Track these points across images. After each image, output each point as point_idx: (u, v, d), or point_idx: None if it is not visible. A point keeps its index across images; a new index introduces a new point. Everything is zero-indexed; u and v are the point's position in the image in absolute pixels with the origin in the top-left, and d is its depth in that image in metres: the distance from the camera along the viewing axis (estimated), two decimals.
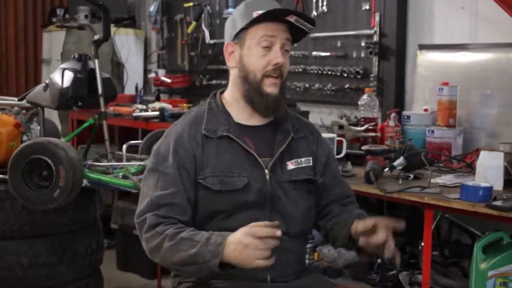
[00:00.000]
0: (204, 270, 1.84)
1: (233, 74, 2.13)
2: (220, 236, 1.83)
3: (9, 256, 3.40)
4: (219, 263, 1.79)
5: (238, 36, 2.08)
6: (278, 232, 1.74)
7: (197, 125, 2.08)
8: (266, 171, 2.05)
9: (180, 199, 1.98)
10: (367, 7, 3.77)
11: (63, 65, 3.58)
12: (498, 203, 2.29)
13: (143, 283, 4.52)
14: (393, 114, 3.38)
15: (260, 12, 2.02)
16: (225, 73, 4.71)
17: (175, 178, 2.00)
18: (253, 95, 2.07)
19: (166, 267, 2.01)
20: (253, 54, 2.05)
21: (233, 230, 1.91)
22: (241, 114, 2.12)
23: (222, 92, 2.20)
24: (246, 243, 1.76)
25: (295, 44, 3.77)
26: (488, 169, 2.56)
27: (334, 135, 2.96)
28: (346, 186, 2.29)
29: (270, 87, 2.05)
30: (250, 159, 2.05)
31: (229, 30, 2.12)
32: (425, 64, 3.57)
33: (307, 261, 3.10)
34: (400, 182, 2.71)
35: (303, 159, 2.14)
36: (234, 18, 2.11)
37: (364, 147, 3.01)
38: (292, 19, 2.04)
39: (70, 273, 3.53)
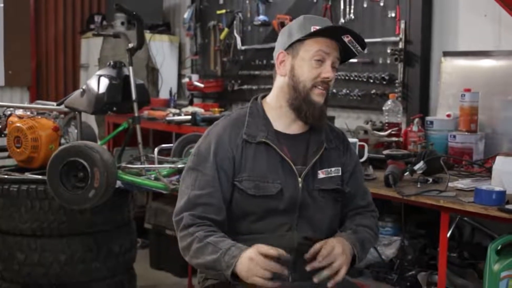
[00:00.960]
0: (222, 276, 1.96)
1: (281, 81, 2.20)
2: (238, 249, 1.94)
3: (47, 253, 3.57)
4: (231, 274, 1.91)
5: (292, 46, 2.16)
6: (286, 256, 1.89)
7: (237, 128, 2.17)
8: (300, 179, 2.14)
9: (216, 200, 2.09)
10: (393, 15, 3.85)
11: (99, 72, 3.73)
12: (511, 206, 2.37)
13: (175, 281, 4.66)
14: (416, 120, 3.46)
15: (318, 27, 2.11)
16: (256, 79, 4.87)
17: (213, 178, 2.10)
18: (301, 103, 2.15)
19: (193, 266, 2.11)
20: (306, 65, 2.12)
21: (261, 232, 2.08)
22: (281, 121, 2.21)
23: (263, 97, 2.27)
24: (252, 257, 1.89)
25: None
26: (504, 174, 2.62)
27: (356, 139, 3.05)
28: (367, 196, 2.38)
29: (318, 97, 2.14)
30: (285, 167, 2.13)
31: (284, 40, 2.20)
32: (449, 70, 3.63)
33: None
34: (419, 185, 2.79)
35: (333, 169, 2.22)
36: (291, 29, 2.18)
37: (385, 152, 3.10)
38: (346, 39, 2.11)
39: (105, 270, 3.70)
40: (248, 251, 1.91)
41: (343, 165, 2.28)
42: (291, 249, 2.09)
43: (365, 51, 2.21)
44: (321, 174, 2.19)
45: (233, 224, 2.13)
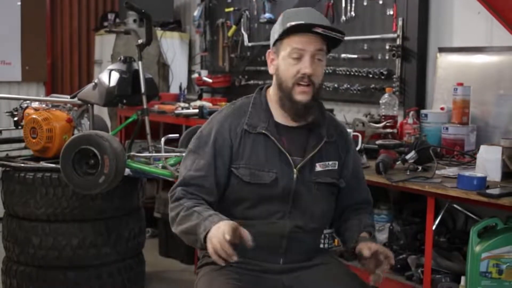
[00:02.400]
0: (197, 242, 2.02)
1: (273, 78, 2.27)
2: (218, 217, 2.02)
3: (60, 237, 3.76)
4: (204, 237, 1.97)
5: (276, 45, 2.23)
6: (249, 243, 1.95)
7: (239, 117, 2.24)
8: (295, 170, 2.21)
9: (209, 183, 2.18)
10: (391, 13, 3.99)
11: (110, 67, 3.91)
12: (490, 191, 2.53)
13: (182, 268, 4.83)
14: (411, 112, 3.60)
15: (293, 23, 2.14)
16: (262, 74, 5.01)
17: (209, 164, 2.19)
18: (284, 101, 2.21)
19: (177, 235, 2.17)
20: (286, 64, 2.18)
21: (254, 219, 2.19)
22: (281, 113, 2.26)
23: (268, 87, 2.33)
24: (220, 226, 1.95)
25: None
26: (487, 162, 2.79)
27: (350, 130, 3.21)
28: (367, 193, 2.46)
29: (300, 95, 2.17)
30: (282, 157, 2.21)
31: (271, 39, 2.27)
32: (444, 65, 3.77)
33: (326, 245, 3.38)
34: (408, 173, 2.95)
35: (330, 162, 2.28)
36: (275, 28, 2.25)
37: (378, 142, 3.27)
38: (320, 30, 2.13)
39: (115, 254, 3.87)
40: (223, 222, 1.97)
41: (342, 160, 2.33)
42: (283, 235, 2.21)
43: (344, 38, 2.20)
44: (318, 167, 2.25)
45: (228, 209, 2.20)
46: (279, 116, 2.27)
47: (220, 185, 2.22)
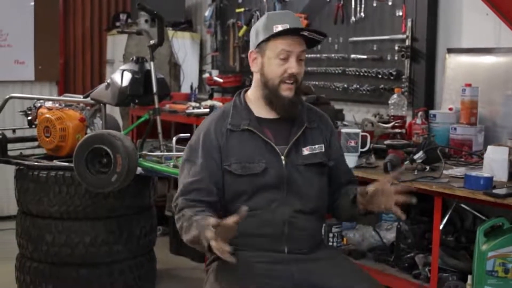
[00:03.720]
0: (204, 249, 2.07)
1: (256, 77, 2.44)
2: (203, 220, 2.10)
3: (73, 235, 3.81)
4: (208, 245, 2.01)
5: (260, 46, 2.36)
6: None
7: (223, 120, 2.40)
8: (282, 157, 2.35)
9: (206, 184, 2.31)
10: (400, 14, 4.02)
11: (122, 67, 3.96)
12: (496, 191, 2.56)
13: (193, 266, 4.87)
14: (420, 113, 3.64)
15: (280, 27, 2.30)
16: None
17: (203, 166, 2.33)
18: (271, 98, 2.38)
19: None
20: (272, 64, 2.34)
21: (254, 209, 2.27)
22: (261, 109, 2.43)
23: (246, 91, 2.50)
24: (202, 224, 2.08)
25: (336, 47, 4.07)
26: (494, 162, 2.81)
27: (359, 130, 3.25)
28: (353, 174, 2.66)
29: (286, 91, 2.36)
30: (268, 148, 2.36)
31: (253, 40, 2.41)
32: (453, 66, 3.79)
33: (335, 243, 3.42)
34: (416, 173, 2.98)
35: (316, 146, 2.44)
36: (257, 29, 2.38)
37: (386, 142, 3.30)
38: (306, 33, 2.33)
39: (126, 252, 3.93)
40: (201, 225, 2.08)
41: (328, 143, 2.50)
42: (284, 222, 2.32)
43: (327, 39, 2.47)
44: (305, 151, 2.41)
45: (228, 206, 2.35)
46: (260, 111, 2.43)
47: (218, 183, 2.34)
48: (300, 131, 2.41)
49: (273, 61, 2.33)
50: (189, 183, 2.32)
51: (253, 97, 2.46)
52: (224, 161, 2.34)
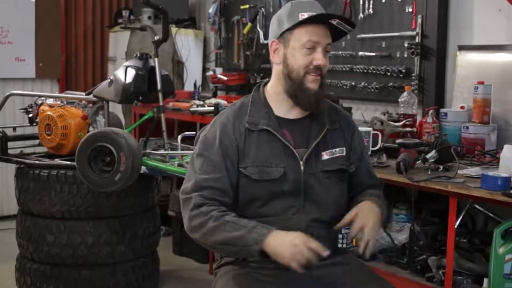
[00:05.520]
0: (242, 252, 2.08)
1: (277, 69, 2.24)
2: (265, 228, 2.05)
3: (74, 235, 3.75)
4: (259, 250, 2.01)
5: (283, 35, 2.19)
6: (325, 253, 2.00)
7: (241, 117, 2.23)
8: (301, 162, 2.21)
9: (222, 184, 2.16)
10: (410, 10, 3.94)
11: (126, 63, 3.88)
12: None
13: (196, 267, 4.81)
14: (431, 111, 3.56)
15: (306, 14, 2.14)
16: None
17: (220, 164, 2.17)
18: (296, 90, 2.20)
19: (203, 244, 2.17)
20: (297, 54, 2.16)
21: (269, 216, 2.17)
22: (281, 107, 2.26)
23: (265, 84, 2.32)
24: (296, 243, 1.99)
25: (343, 44, 4.00)
26: (511, 161, 2.72)
27: (370, 128, 3.18)
28: (375, 177, 2.46)
29: (312, 83, 2.19)
30: (287, 151, 2.20)
31: (275, 28, 2.23)
32: (464, 64, 3.71)
33: (344, 245, 3.33)
34: (429, 172, 2.90)
35: (337, 149, 2.28)
36: (280, 17, 2.21)
37: (398, 141, 3.22)
38: (334, 22, 2.16)
39: (129, 252, 3.87)
40: (282, 234, 2.03)
41: (350, 146, 2.34)
42: (300, 231, 2.14)
43: (354, 29, 2.25)
44: (325, 156, 2.25)
45: (241, 210, 2.20)
46: (280, 110, 2.27)
47: (233, 185, 2.20)
48: (321, 135, 2.26)
49: (299, 51, 2.17)
50: (203, 179, 2.16)
51: (274, 92, 2.28)
52: (240, 162, 2.20)
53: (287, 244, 1.99)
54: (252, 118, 2.24)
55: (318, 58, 2.17)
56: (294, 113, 2.28)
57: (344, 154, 2.31)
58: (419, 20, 3.88)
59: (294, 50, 2.18)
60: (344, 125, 2.36)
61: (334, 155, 2.28)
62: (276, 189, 2.19)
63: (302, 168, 2.21)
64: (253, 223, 2.07)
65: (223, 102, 4.71)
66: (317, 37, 2.16)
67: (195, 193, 2.15)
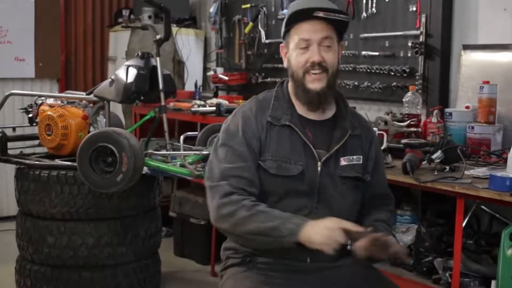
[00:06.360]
0: (276, 243, 2.02)
1: (288, 72, 2.26)
2: (300, 219, 2.02)
3: (75, 237, 3.71)
4: (295, 241, 1.98)
5: (285, 37, 2.23)
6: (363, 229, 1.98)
7: (263, 110, 2.21)
8: (319, 163, 2.17)
9: (248, 173, 2.13)
10: (414, 9, 3.90)
11: (127, 62, 3.85)
12: None
13: (198, 268, 4.77)
14: (435, 111, 3.53)
15: (293, 11, 2.15)
16: (280, 71, 4.96)
17: (244, 153, 2.14)
18: (299, 92, 2.20)
19: (230, 234, 2.14)
20: (294, 54, 2.18)
21: None
22: (302, 106, 2.24)
23: (288, 82, 2.31)
24: (330, 227, 1.96)
25: (346, 43, 3.96)
26: None
27: (375, 129, 3.13)
28: (386, 187, 2.42)
29: (312, 83, 2.17)
30: (307, 150, 2.17)
31: (282, 31, 2.25)
32: (469, 63, 3.68)
33: (348, 247, 3.29)
34: (436, 173, 2.87)
35: (354, 157, 2.25)
36: (284, 19, 2.23)
37: (403, 141, 3.18)
38: (320, 14, 2.12)
39: (131, 254, 3.83)
40: (321, 221, 1.99)
41: (366, 155, 2.30)
42: None
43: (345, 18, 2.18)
44: (343, 161, 2.22)
45: None
46: (302, 110, 2.25)
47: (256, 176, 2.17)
48: (343, 139, 2.22)
49: (295, 52, 2.18)
50: (228, 168, 2.13)
51: (291, 92, 2.28)
52: (261, 155, 2.17)
53: (321, 229, 1.96)
54: (275, 112, 2.22)
55: (313, 54, 2.15)
56: (315, 114, 2.26)
57: (361, 162, 2.28)
58: (423, 19, 3.85)
59: (293, 51, 2.20)
60: (364, 133, 2.32)
61: (352, 162, 2.25)
62: (293, 187, 2.16)
63: (319, 169, 2.18)
64: (288, 214, 2.05)
65: (224, 102, 4.69)
66: (307, 34, 2.15)
67: (223, 181, 2.12)
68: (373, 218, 2.28)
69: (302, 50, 2.16)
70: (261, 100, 2.27)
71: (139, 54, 3.81)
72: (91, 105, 4.09)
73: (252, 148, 2.16)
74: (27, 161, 3.92)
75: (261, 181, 2.17)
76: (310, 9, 2.13)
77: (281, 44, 2.28)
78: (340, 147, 2.21)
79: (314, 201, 2.18)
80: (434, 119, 3.51)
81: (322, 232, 1.96)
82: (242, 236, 2.10)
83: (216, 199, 2.11)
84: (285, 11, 4.85)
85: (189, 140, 3.99)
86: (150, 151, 3.63)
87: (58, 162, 3.86)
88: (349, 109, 2.32)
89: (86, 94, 4.08)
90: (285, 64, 2.27)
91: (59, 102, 4.10)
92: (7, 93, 4.34)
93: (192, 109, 4.62)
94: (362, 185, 2.30)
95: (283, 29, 2.22)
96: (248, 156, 2.15)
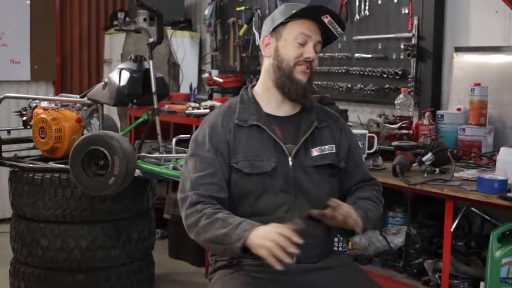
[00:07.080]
0: (228, 250, 2.03)
1: (266, 63, 2.30)
2: (249, 224, 2.01)
3: (69, 239, 3.72)
4: (241, 247, 1.96)
5: (276, 30, 2.25)
6: (299, 241, 1.93)
7: (230, 115, 2.26)
8: (290, 157, 2.22)
9: (216, 179, 2.16)
10: (406, 11, 3.92)
11: (120, 65, 3.86)
12: (511, 195, 2.46)
13: (192, 270, 4.77)
14: (427, 113, 3.54)
15: (302, 6, 2.21)
16: None
17: (212, 160, 2.18)
18: (284, 81, 2.24)
19: (199, 244, 2.16)
20: (289, 46, 2.22)
21: (262, 211, 2.16)
22: (270, 104, 2.30)
23: (253, 87, 2.37)
24: (269, 230, 1.95)
25: (339, 46, 3.97)
26: (507, 164, 2.71)
27: (366, 131, 3.15)
28: (366, 172, 2.46)
29: (301, 74, 2.23)
30: (277, 146, 2.22)
31: (268, 25, 2.29)
32: (461, 65, 3.69)
33: (340, 248, 3.32)
34: (425, 175, 2.89)
35: (326, 147, 2.30)
36: (274, 15, 2.29)
37: (394, 143, 3.19)
38: (326, 19, 2.21)
39: (124, 256, 3.83)
40: (264, 229, 1.96)
41: (338, 143, 2.34)
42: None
43: (344, 32, 2.31)
44: (314, 152, 2.27)
45: (234, 207, 2.19)
46: (268, 107, 2.30)
47: (226, 180, 2.20)
48: (309, 131, 2.27)
49: (290, 43, 2.23)
50: (199, 177, 2.17)
51: (262, 89, 2.33)
52: (231, 157, 2.21)
53: (266, 239, 1.94)
54: (242, 115, 2.26)
55: (309, 51, 2.22)
56: (282, 110, 2.31)
57: (334, 151, 2.32)
58: (415, 22, 3.86)
59: (286, 42, 2.23)
60: (333, 124, 2.38)
61: (324, 152, 2.29)
62: (268, 183, 2.19)
63: (290, 163, 2.22)
64: (241, 219, 2.05)
65: (219, 104, 4.69)
66: (309, 32, 2.22)
67: (191, 191, 2.15)
68: (354, 197, 2.33)
69: (299, 45, 2.22)
70: (227, 106, 2.32)
71: (132, 57, 3.82)
72: (85, 108, 4.10)
73: (220, 152, 2.20)
74: (21, 164, 3.92)
75: (237, 182, 2.20)
76: (320, 10, 2.21)
77: (265, 35, 2.29)
78: (309, 139, 2.27)
79: (292, 196, 2.21)
80: (426, 121, 3.52)
81: (266, 243, 1.93)
82: (204, 244, 2.14)
83: (183, 210, 2.16)
84: None
85: (184, 143, 3.99)
86: (143, 154, 3.64)
87: (51, 165, 3.87)
88: (314, 104, 2.39)
89: (80, 97, 4.08)
90: (265, 54, 2.30)
91: (53, 105, 4.10)
92: (2, 96, 4.35)
93: (186, 111, 4.62)
94: (338, 172, 2.33)
95: (278, 21, 2.25)
96: (215, 160, 2.18)
